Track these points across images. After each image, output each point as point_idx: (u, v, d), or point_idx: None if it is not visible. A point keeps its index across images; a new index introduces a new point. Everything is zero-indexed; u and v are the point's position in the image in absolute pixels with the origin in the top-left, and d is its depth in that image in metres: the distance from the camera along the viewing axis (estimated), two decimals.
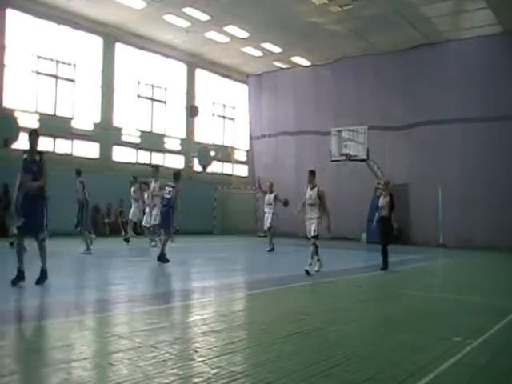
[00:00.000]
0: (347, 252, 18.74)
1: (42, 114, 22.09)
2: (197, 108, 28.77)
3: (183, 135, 28.72)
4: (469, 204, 22.31)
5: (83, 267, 12.03)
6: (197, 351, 4.90)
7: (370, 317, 7.21)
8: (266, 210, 17.34)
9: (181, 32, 24.46)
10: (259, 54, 27.41)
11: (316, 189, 11.08)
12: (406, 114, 24.58)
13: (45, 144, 22.01)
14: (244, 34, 24.51)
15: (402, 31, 22.83)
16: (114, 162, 24.93)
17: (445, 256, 18.92)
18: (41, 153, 8.60)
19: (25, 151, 8.66)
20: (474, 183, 22.25)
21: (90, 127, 24.05)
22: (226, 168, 31.21)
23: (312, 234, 11.06)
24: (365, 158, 22.86)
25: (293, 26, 23.01)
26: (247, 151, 32.53)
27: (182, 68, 28.71)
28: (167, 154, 27.76)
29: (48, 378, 3.94)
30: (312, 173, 11.32)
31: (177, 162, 28.07)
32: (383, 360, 4.90)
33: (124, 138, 25.64)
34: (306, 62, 28.80)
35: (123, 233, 23.05)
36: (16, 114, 21.10)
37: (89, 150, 23.86)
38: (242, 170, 32.31)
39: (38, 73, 22.27)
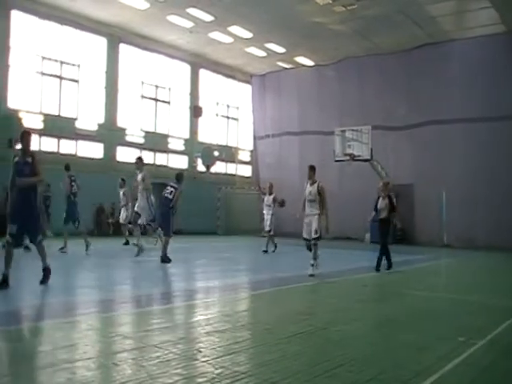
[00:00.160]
0: (351, 252, 18.72)
1: (46, 115, 22.15)
2: (200, 108, 28.79)
3: (187, 135, 28.74)
4: (473, 204, 22.26)
5: (86, 267, 12.04)
6: (201, 351, 4.91)
7: (373, 317, 7.20)
8: (264, 211, 17.20)
9: (184, 32, 24.48)
10: (263, 54, 27.41)
11: (316, 184, 10.87)
12: (410, 114, 24.53)
13: (49, 144, 22.18)
14: (248, 35, 24.51)
15: (406, 31, 22.78)
16: (118, 162, 24.97)
17: (449, 256, 18.88)
18: (33, 154, 8.35)
19: (15, 154, 8.43)
20: (477, 183, 22.19)
21: (94, 128, 24.09)
22: (230, 168, 31.22)
23: (314, 235, 10.80)
24: (368, 158, 22.82)
25: (296, 26, 23.00)
26: (251, 151, 32.55)
27: (186, 68, 28.73)
28: (171, 155, 27.78)
29: (52, 378, 3.95)
30: (312, 168, 11.09)
31: (180, 163, 28.10)
32: (387, 360, 4.89)
33: (128, 139, 25.69)
34: (309, 62, 28.79)
35: (127, 233, 23.06)
36: (20, 114, 21.17)
37: (93, 150, 23.91)
38: (245, 170, 32.31)
39: (43, 73, 22.33)
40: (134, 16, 22.72)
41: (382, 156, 23.50)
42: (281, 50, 26.65)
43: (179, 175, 13.16)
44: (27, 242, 9.90)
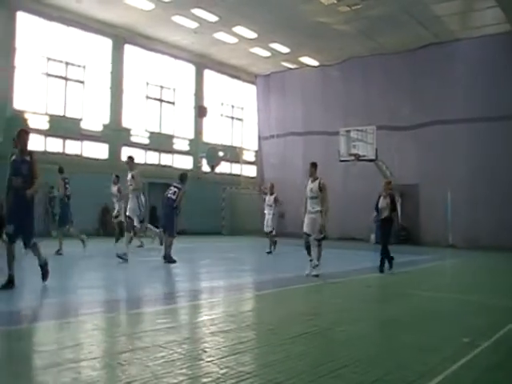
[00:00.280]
0: (355, 252, 18.70)
1: (51, 116, 22.23)
2: (205, 109, 28.83)
3: (192, 136, 28.78)
4: (478, 204, 22.19)
5: (89, 267, 12.06)
6: (205, 351, 4.92)
7: (377, 317, 7.20)
8: (266, 211, 17.08)
9: (189, 33, 24.52)
10: (267, 54, 27.42)
11: (317, 181, 10.74)
12: (415, 114, 24.47)
13: (55, 145, 22.26)
14: (252, 35, 24.53)
15: (411, 30, 22.75)
16: (123, 162, 24.99)
17: (453, 256, 18.83)
18: (31, 152, 8.18)
19: (12, 153, 8.27)
20: (482, 183, 22.11)
21: (99, 128, 24.16)
22: (235, 168, 31.23)
23: (318, 236, 10.78)
24: (373, 158, 22.79)
25: (301, 26, 22.99)
26: (255, 152, 32.55)
27: (191, 69, 28.77)
28: (176, 155, 27.82)
29: (57, 378, 3.97)
30: (313, 165, 10.98)
31: (185, 163, 28.14)
32: (391, 361, 4.89)
33: (133, 139, 25.74)
34: (314, 62, 28.78)
35: (132, 233, 23.01)
36: (26, 115, 21.24)
37: (98, 150, 23.97)
38: (250, 171, 32.32)
39: (48, 74, 22.41)
40: (139, 17, 22.77)
41: (386, 156, 23.47)
42: (285, 50, 26.66)
43: (183, 175, 13.18)
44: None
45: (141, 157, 26.06)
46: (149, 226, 16.82)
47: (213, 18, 22.49)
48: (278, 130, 30.49)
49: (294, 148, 29.28)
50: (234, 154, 30.57)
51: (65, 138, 22.64)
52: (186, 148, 28.48)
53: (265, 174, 30.87)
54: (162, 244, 16.22)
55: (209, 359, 4.61)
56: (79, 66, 23.51)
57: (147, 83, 26.53)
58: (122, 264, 11.84)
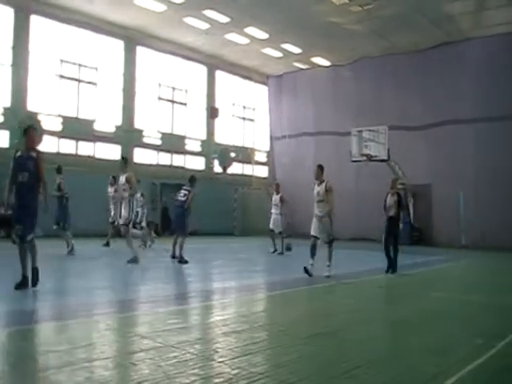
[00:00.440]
0: (367, 253, 18.60)
1: (64, 117, 22.40)
2: (217, 109, 28.87)
3: (204, 137, 28.84)
4: (491, 204, 21.96)
5: (102, 268, 12.13)
6: (217, 352, 4.92)
7: (390, 318, 7.17)
8: (272, 210, 16.98)
9: (201, 34, 24.58)
10: (279, 54, 27.42)
11: (324, 184, 10.64)
12: (426, 114, 24.33)
13: (68, 146, 22.41)
14: (264, 35, 24.54)
15: (423, 30, 22.65)
16: (136, 163, 25.10)
17: (466, 257, 18.67)
18: (37, 149, 8.09)
19: (17, 149, 8.15)
20: (496, 183, 21.89)
21: (112, 129, 24.29)
22: (247, 169, 31.26)
23: (327, 239, 10.71)
24: (385, 158, 22.70)
25: (313, 27, 22.96)
26: (267, 152, 32.55)
27: (202, 70, 28.83)
28: (188, 156, 27.90)
29: (70, 377, 3.99)
30: (320, 167, 10.86)
31: (197, 164, 28.21)
32: (404, 362, 4.86)
33: (145, 140, 25.85)
34: (325, 63, 28.73)
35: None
36: (40, 117, 21.41)
37: (110, 152, 24.09)
38: (262, 171, 32.32)
39: (61, 76, 22.57)
40: (151, 18, 22.86)
41: (398, 156, 23.34)
42: (297, 50, 26.64)
43: (192, 178, 13.33)
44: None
45: (153, 158, 26.21)
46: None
47: (224, 19, 22.53)
48: (289, 131, 30.45)
49: (306, 148, 29.22)
50: (245, 155, 30.59)
51: (78, 139, 22.80)
52: (198, 149, 28.55)
53: (276, 175, 30.82)
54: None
55: (221, 360, 4.62)
56: (92, 68, 23.66)
57: (159, 84, 26.63)
58: (133, 265, 11.89)
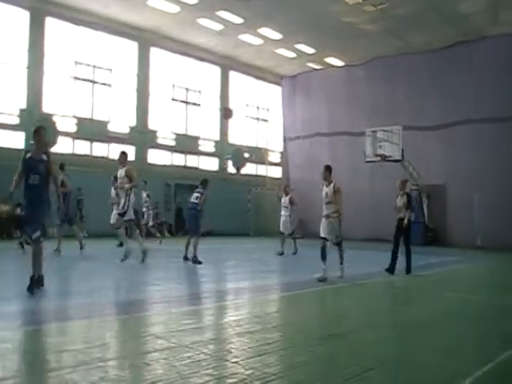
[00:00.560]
0: (381, 254, 18.47)
1: (79, 118, 22.57)
2: (231, 110, 28.92)
3: (217, 137, 28.91)
4: (506, 205, 21.76)
5: (116, 268, 12.18)
6: (231, 352, 4.93)
7: (404, 319, 7.12)
8: (282, 212, 16.93)
9: (214, 35, 24.64)
10: (293, 55, 27.40)
11: (332, 185, 10.52)
12: (440, 114, 24.15)
13: (82, 147, 22.58)
14: (277, 36, 24.55)
15: (437, 29, 22.53)
16: (150, 164, 25.25)
17: (481, 258, 18.49)
18: (47, 152, 7.96)
19: (26, 151, 8.01)
20: (510, 184, 21.71)
21: (126, 130, 24.43)
22: (260, 169, 31.26)
23: (335, 240, 10.61)
24: (400, 158, 22.58)
25: (326, 27, 22.93)
26: (281, 153, 32.53)
27: (216, 71, 28.89)
28: (201, 156, 27.97)
29: (85, 376, 4.02)
30: (327, 168, 10.79)
31: (211, 164, 28.28)
32: (418, 364, 4.82)
33: (159, 141, 25.97)
34: (339, 63, 28.67)
35: (159, 234, 23.26)
36: (55, 118, 21.60)
37: None
38: (275, 172, 32.31)
39: (76, 78, 22.76)
40: (165, 20, 22.96)
41: (412, 156, 23.20)
42: (310, 50, 26.60)
43: (204, 181, 13.51)
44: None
45: (167, 159, 26.32)
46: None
47: (238, 19, 22.57)
48: (303, 131, 30.40)
49: (320, 149, 29.13)
50: (259, 155, 30.59)
51: (92, 140, 22.96)
52: (212, 149, 28.62)
53: (290, 175, 30.81)
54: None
55: (234, 360, 4.62)
56: (106, 69, 23.83)
57: (173, 85, 26.74)
58: (146, 264, 11.96)
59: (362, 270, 12.81)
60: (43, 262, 7.94)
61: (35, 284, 7.67)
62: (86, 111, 23.05)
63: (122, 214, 12.10)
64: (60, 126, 21.42)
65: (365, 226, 25.28)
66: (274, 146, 32.52)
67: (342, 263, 10.72)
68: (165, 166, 25.98)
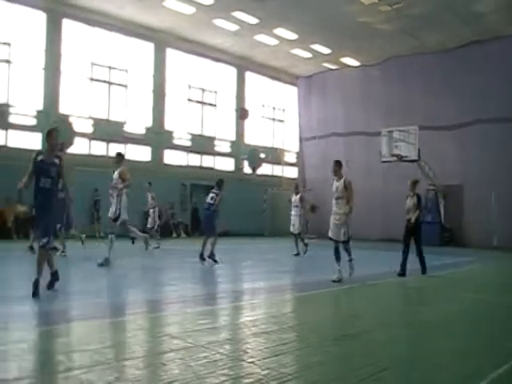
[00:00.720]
0: (394, 254, 18.36)
1: (95, 119, 22.73)
2: (246, 110, 28.93)
3: (233, 138, 28.95)
4: None
5: (131, 268, 12.24)
6: (247, 352, 4.93)
7: (417, 319, 7.07)
8: (292, 212, 16.64)
9: (230, 35, 24.68)
10: (308, 55, 27.35)
11: (342, 180, 10.38)
12: (455, 114, 24.00)
13: (99, 148, 22.74)
14: (293, 36, 24.52)
15: (452, 28, 22.37)
16: (166, 164, 25.36)
17: (497, 258, 18.31)
18: (59, 155, 7.87)
19: (38, 153, 7.82)
20: None
21: (142, 131, 24.56)
22: (276, 170, 31.25)
23: (342, 238, 10.39)
24: (416, 158, 22.45)
25: (342, 27, 22.86)
26: (297, 153, 32.49)
27: (232, 71, 28.94)
28: (217, 157, 28.03)
29: (101, 376, 4.04)
30: (337, 163, 10.62)
31: (227, 165, 28.32)
32: (432, 364, 4.78)
33: (175, 142, 26.07)
34: (355, 63, 28.57)
35: (175, 234, 23.46)
36: (71, 119, 21.77)
37: (141, 153, 24.35)
38: (291, 172, 32.26)
39: (92, 79, 22.93)
40: (180, 21, 23.06)
41: (428, 156, 23.06)
42: (326, 50, 26.54)
43: (220, 181, 13.55)
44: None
45: (183, 159, 26.41)
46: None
47: (253, 20, 22.58)
48: (319, 131, 30.35)
49: (336, 149, 29.00)
50: (275, 156, 30.58)
51: (108, 141, 23.11)
52: (228, 150, 28.66)
53: (306, 176, 30.77)
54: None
55: (250, 360, 4.62)
56: (122, 70, 23.97)
57: (189, 86, 26.82)
58: (166, 264, 11.99)
59: (374, 270, 12.77)
60: (55, 263, 7.98)
61: (49, 284, 7.77)
62: (102, 112, 23.23)
63: (115, 220, 11.84)
64: (76, 127, 21.59)
65: (379, 226, 25.20)
66: (290, 146, 32.49)
67: (350, 260, 10.59)
68: (181, 166, 26.07)
